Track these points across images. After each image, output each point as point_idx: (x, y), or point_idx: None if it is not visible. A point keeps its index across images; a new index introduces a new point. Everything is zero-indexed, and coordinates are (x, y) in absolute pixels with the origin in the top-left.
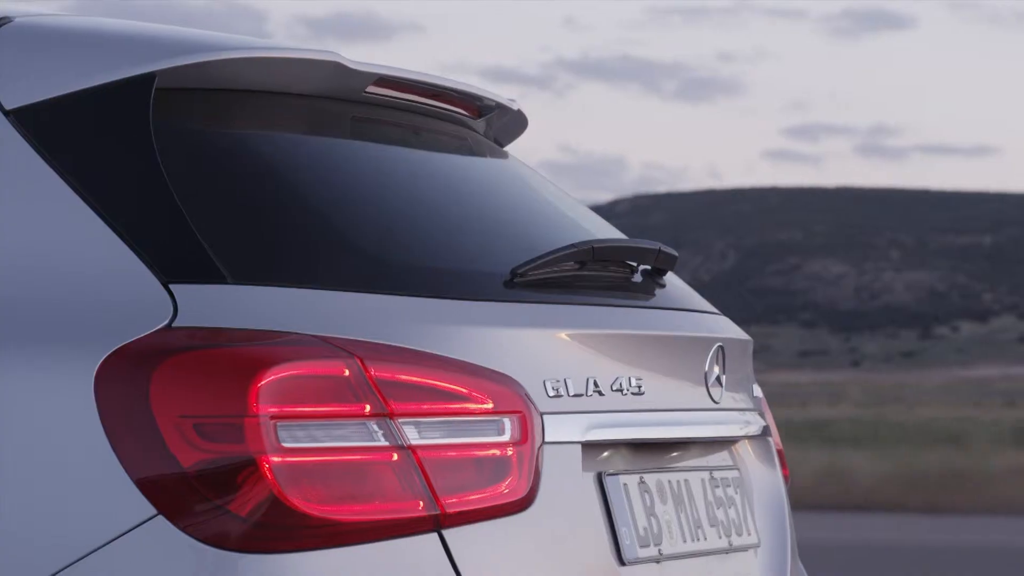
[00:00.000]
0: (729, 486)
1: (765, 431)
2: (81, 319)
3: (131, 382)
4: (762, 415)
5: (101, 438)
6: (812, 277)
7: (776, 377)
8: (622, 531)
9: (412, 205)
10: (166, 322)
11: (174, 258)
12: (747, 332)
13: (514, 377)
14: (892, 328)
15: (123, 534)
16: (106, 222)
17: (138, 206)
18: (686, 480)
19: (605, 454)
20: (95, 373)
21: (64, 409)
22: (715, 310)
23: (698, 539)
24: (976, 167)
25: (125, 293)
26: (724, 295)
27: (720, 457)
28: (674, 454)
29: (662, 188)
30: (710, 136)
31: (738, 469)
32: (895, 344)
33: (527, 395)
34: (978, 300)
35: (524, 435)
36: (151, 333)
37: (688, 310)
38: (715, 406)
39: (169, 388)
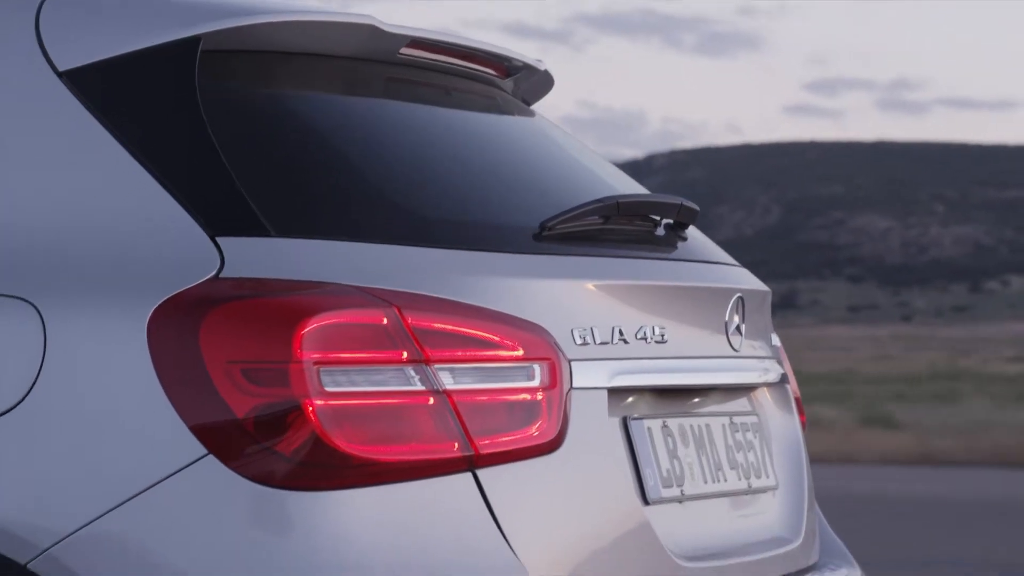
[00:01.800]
0: (748, 431)
1: (783, 379)
2: (133, 271)
3: (182, 329)
4: (780, 363)
5: (154, 382)
6: (857, 231)
7: (828, 331)
8: (646, 472)
9: (444, 162)
10: (213, 273)
11: (220, 213)
12: (794, 287)
13: (543, 326)
14: (941, 282)
15: (175, 473)
16: (156, 179)
17: (186, 163)
18: (707, 425)
19: (629, 399)
20: (147, 321)
21: (119, 355)
22: (735, 262)
23: (718, 481)
24: (999, 120)
25: (174, 246)
26: (769, 250)
27: (739, 403)
28: (695, 400)
29: (685, 143)
30: (730, 90)
31: (757, 415)
32: (945, 299)
33: (556, 343)
34: None
35: (553, 381)
36: (200, 283)
37: (709, 262)
38: (735, 354)
39: (218, 335)
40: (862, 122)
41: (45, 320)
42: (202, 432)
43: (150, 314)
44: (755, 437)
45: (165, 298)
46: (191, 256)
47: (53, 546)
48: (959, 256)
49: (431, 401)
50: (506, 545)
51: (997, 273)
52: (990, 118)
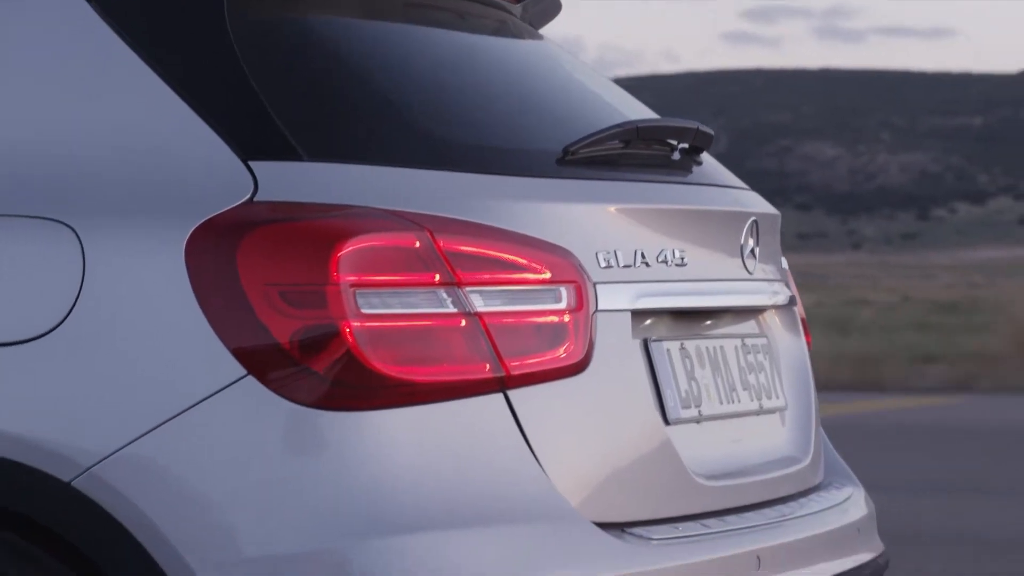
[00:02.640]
0: (759, 353)
1: (791, 301)
2: (168, 195)
3: (219, 252)
4: (788, 285)
5: (192, 305)
6: (805, 159)
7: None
8: (666, 393)
9: (465, 87)
10: (247, 197)
11: (252, 137)
12: None
13: (569, 249)
14: (889, 210)
15: (215, 393)
16: (188, 104)
17: (217, 88)
18: (721, 347)
19: (649, 322)
20: (185, 244)
21: (156, 278)
22: (746, 186)
23: (732, 401)
24: (933, 48)
25: (208, 171)
26: None
27: (749, 326)
28: (707, 323)
29: (624, 71)
30: (666, 18)
31: (766, 337)
32: (894, 226)
33: (581, 266)
34: (973, 182)
35: (579, 303)
36: (235, 207)
37: (723, 186)
38: (749, 277)
39: (255, 258)
40: (800, 50)
41: (83, 243)
42: (241, 353)
43: (187, 237)
44: (765, 359)
45: (201, 222)
46: (225, 180)
47: (96, 465)
48: (906, 184)
49: (463, 323)
50: (536, 464)
51: (944, 201)
52: (924, 46)
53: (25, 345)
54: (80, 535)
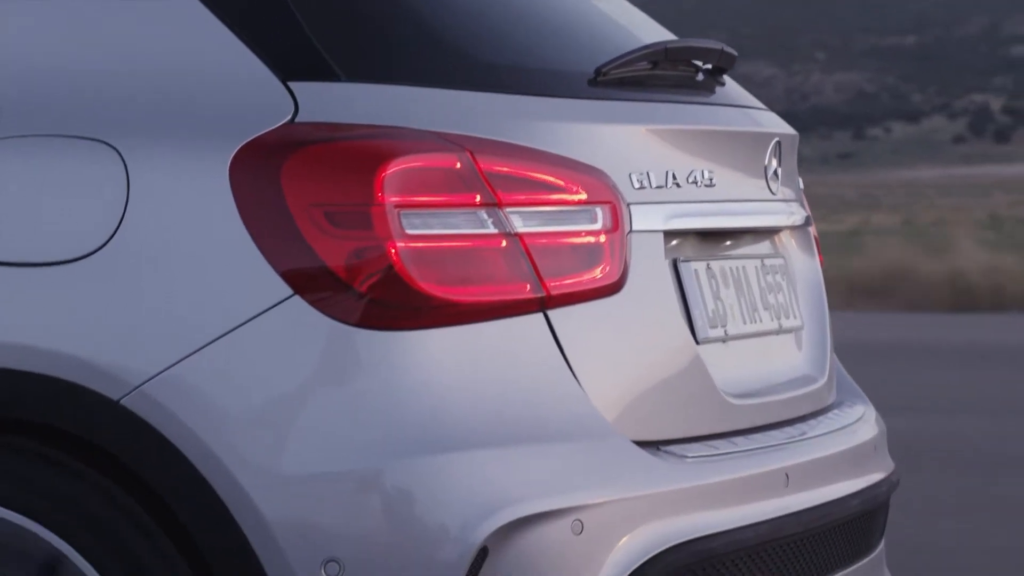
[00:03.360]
0: (777, 273)
1: (807, 221)
2: (209, 116)
3: (263, 173)
4: (803, 206)
5: (238, 225)
6: (743, 79)
7: None
8: (695, 312)
9: (499, 8)
10: (288, 118)
11: (291, 58)
12: None
13: (603, 170)
14: (825, 130)
15: (262, 313)
16: (226, 25)
17: (255, 9)
18: (743, 267)
19: (675, 242)
20: (229, 165)
21: (201, 198)
22: (765, 107)
23: (755, 321)
24: None
25: (248, 92)
26: None
27: (767, 246)
28: (728, 243)
29: None
30: None
31: (783, 257)
32: (830, 146)
33: (615, 186)
34: (908, 101)
35: (615, 224)
36: (277, 128)
37: (746, 107)
38: (772, 197)
39: (299, 178)
40: None
41: (127, 162)
42: (287, 273)
43: (231, 158)
44: (782, 279)
45: (244, 142)
46: (265, 101)
47: (144, 383)
48: (841, 103)
49: (504, 243)
50: (576, 383)
51: (880, 120)
52: None
53: (72, 264)
54: (129, 453)
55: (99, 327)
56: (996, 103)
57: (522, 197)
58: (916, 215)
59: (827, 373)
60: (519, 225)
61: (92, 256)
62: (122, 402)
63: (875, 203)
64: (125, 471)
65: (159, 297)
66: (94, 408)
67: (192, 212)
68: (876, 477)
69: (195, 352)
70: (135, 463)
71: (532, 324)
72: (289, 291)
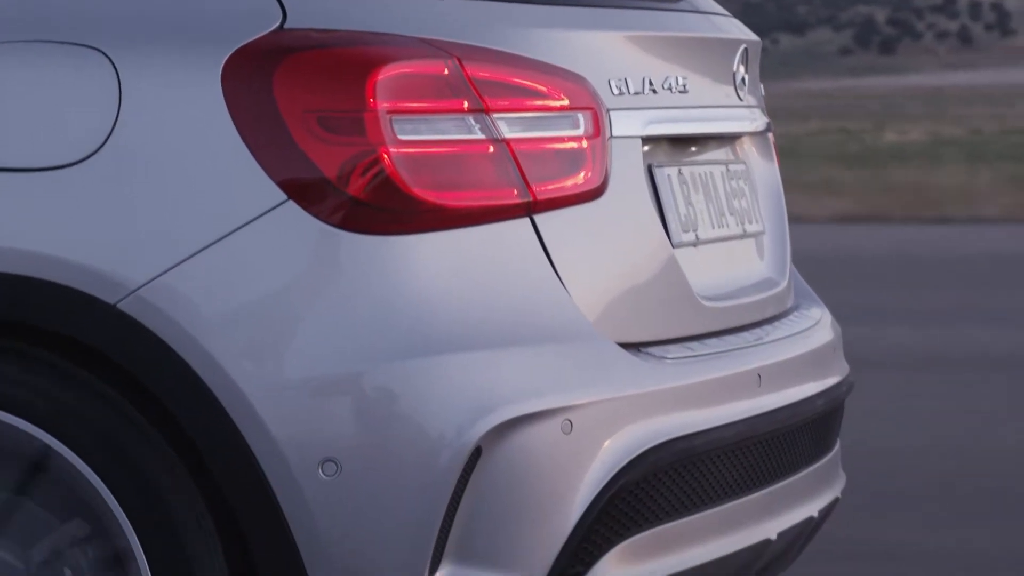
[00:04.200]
0: (740, 179)
1: (768, 127)
2: (198, 23)
3: (255, 79)
4: (764, 112)
5: (231, 130)
6: None
7: None
8: (669, 217)
9: None
10: (277, 24)
11: None
12: None
13: (584, 76)
14: None
15: (256, 218)
16: None
17: None
18: (710, 173)
19: (647, 148)
20: (220, 71)
21: (195, 104)
22: (729, 13)
23: (722, 226)
24: None
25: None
26: None
27: (730, 152)
28: (694, 149)
29: None
30: None
31: (744, 163)
32: None
33: (595, 92)
34: (794, 13)
35: (596, 130)
36: (267, 34)
37: (712, 13)
38: (740, 103)
39: (292, 84)
40: None
41: (118, 69)
42: (280, 179)
43: (223, 64)
44: (745, 184)
45: (235, 49)
46: (252, 8)
47: (141, 287)
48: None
49: (491, 149)
50: (562, 287)
51: (766, 32)
52: None
53: (66, 170)
54: (127, 356)
55: (95, 232)
56: (881, 15)
57: (508, 103)
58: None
59: (787, 276)
60: (506, 131)
61: (86, 161)
62: (119, 306)
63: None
64: (124, 376)
65: (154, 202)
66: (91, 312)
67: (185, 118)
68: (836, 378)
69: (191, 257)
70: (133, 366)
71: (519, 229)
72: (283, 196)
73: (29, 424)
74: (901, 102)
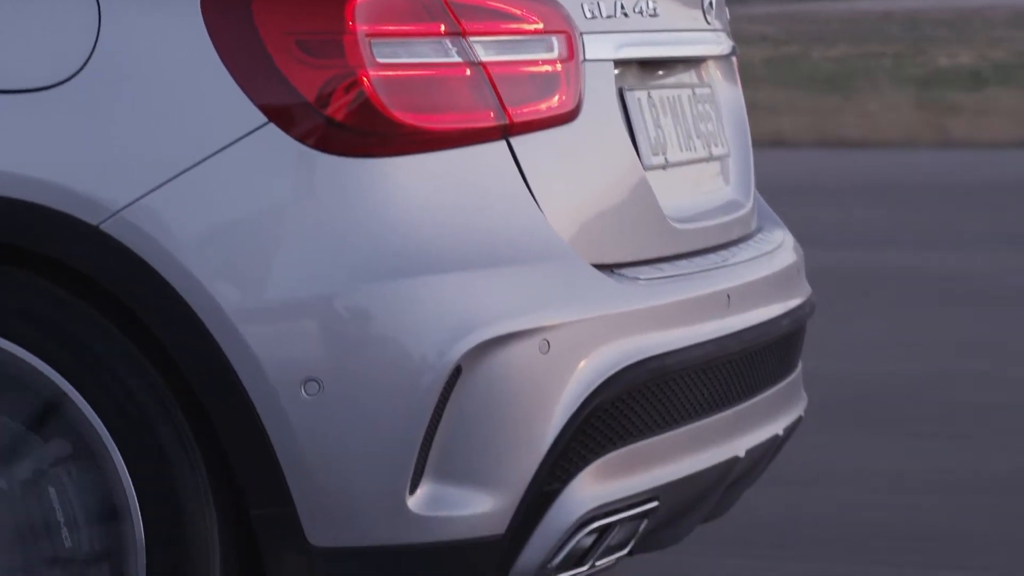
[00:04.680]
0: (706, 102)
1: (733, 51)
2: None
3: (235, 2)
4: (729, 36)
5: (211, 54)
6: None
7: None
8: (640, 140)
9: None
10: None
11: None
12: None
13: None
14: None
15: (237, 141)
16: None
17: None
18: (678, 96)
19: (618, 71)
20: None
21: (174, 27)
22: None
23: (690, 149)
24: None
25: None
26: None
27: (695, 76)
28: (661, 72)
29: None
30: None
31: (710, 87)
32: None
33: (569, 16)
34: None
35: (570, 53)
36: None
37: None
38: (707, 27)
39: (271, 7)
40: None
41: None
42: (261, 102)
43: None
44: (711, 108)
45: None
46: None
47: (123, 208)
48: None
49: (468, 72)
50: (537, 209)
51: None
52: None
53: (47, 92)
54: (111, 278)
55: (76, 154)
56: None
57: (485, 27)
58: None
59: (751, 199)
60: (482, 54)
61: (67, 83)
62: (101, 227)
63: None
64: (112, 301)
65: (136, 124)
66: (74, 233)
67: (165, 41)
68: (799, 300)
69: (173, 178)
70: (117, 288)
71: (496, 151)
72: (263, 119)
73: (16, 347)
74: (921, 25)
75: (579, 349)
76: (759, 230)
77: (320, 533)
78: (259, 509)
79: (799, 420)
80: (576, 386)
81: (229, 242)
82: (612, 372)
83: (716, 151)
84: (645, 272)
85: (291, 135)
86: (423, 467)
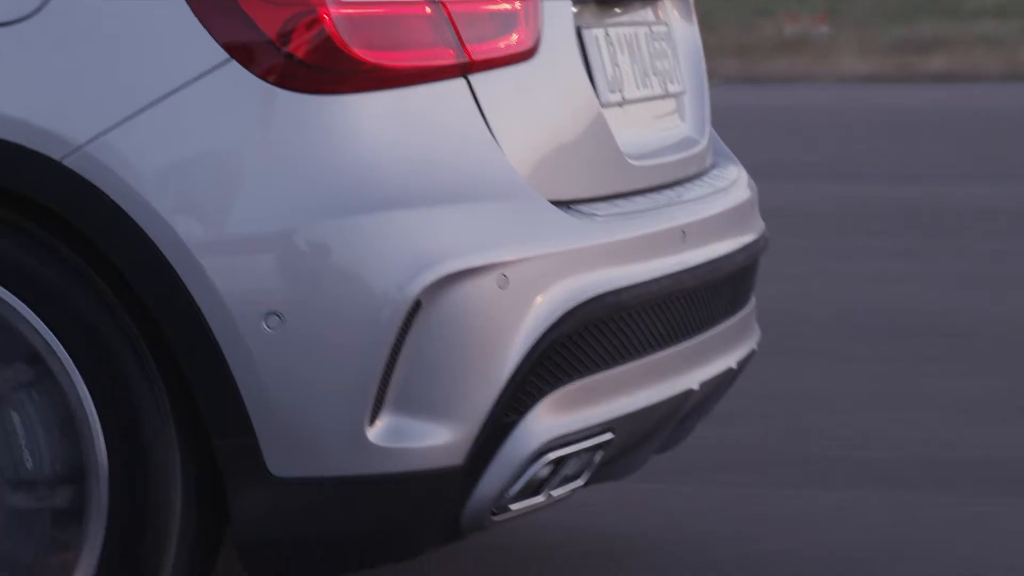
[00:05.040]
0: (662, 40)
1: None
2: None
3: None
4: None
5: None
6: None
7: None
8: (597, 77)
9: None
10: None
11: None
12: None
13: None
14: None
15: (199, 77)
16: None
17: None
18: (635, 34)
19: (576, 9)
20: None
21: None
22: None
23: (646, 86)
24: None
25: None
26: None
27: (651, 14)
28: (617, 10)
29: None
30: None
31: (666, 25)
32: None
33: None
34: None
35: None
36: None
37: None
38: None
39: None
40: None
41: None
42: (224, 39)
43: None
44: (667, 46)
45: None
46: None
47: (87, 143)
48: None
49: (428, 10)
50: (496, 146)
51: None
52: None
53: (9, 28)
54: (74, 212)
55: (40, 89)
56: None
57: None
58: None
59: (707, 136)
60: None
61: (29, 19)
62: (64, 162)
63: None
64: (77, 235)
65: (98, 60)
66: (37, 168)
67: None
68: (753, 235)
69: (135, 114)
70: (80, 222)
71: (455, 89)
72: (225, 56)
73: None
74: None
75: (537, 284)
76: (714, 167)
77: (281, 463)
78: (221, 439)
79: (752, 353)
80: (533, 320)
81: (191, 177)
82: (569, 307)
83: (672, 88)
84: (602, 208)
85: (253, 72)
86: (383, 399)
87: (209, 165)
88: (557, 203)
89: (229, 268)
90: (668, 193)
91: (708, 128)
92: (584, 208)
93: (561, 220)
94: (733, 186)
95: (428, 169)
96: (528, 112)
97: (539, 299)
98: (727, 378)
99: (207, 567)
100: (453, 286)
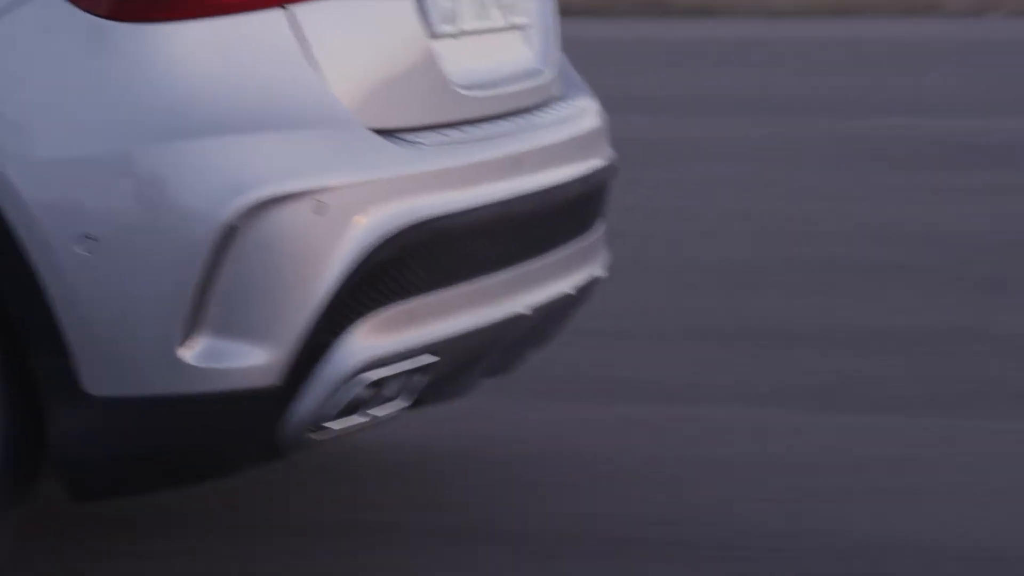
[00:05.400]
0: None
1: None
2: None
3: None
4: None
5: None
6: None
7: None
8: (429, 8)
9: None
10: None
11: None
12: None
13: None
14: None
15: (20, 4)
16: None
17: None
18: None
19: None
20: None
21: None
22: None
23: (486, 18)
24: None
25: None
26: None
27: None
28: None
29: None
30: None
31: None
32: None
33: None
34: None
35: None
36: None
37: None
38: None
39: None
40: None
41: None
42: None
43: None
44: None
45: None
46: None
47: None
48: None
49: None
50: (317, 74)
51: None
52: None
53: None
54: None
55: None
56: None
57: None
58: None
59: (553, 67)
60: None
61: None
62: None
63: None
64: None
65: None
66: None
67: None
68: (597, 163)
69: None
70: None
71: (276, 18)
72: None
73: None
74: None
75: (356, 211)
76: (562, 97)
77: (97, 383)
78: (37, 359)
79: (595, 280)
80: (351, 246)
81: (7, 101)
82: (389, 233)
83: (516, 20)
84: (428, 137)
85: (71, 1)
86: (198, 321)
87: (26, 90)
88: (382, 132)
89: (44, 190)
90: (503, 123)
91: (556, 59)
92: (409, 137)
93: (383, 148)
94: (578, 115)
95: (247, 96)
96: (353, 43)
97: (357, 225)
98: (565, 304)
99: (26, 489)
100: (269, 211)
